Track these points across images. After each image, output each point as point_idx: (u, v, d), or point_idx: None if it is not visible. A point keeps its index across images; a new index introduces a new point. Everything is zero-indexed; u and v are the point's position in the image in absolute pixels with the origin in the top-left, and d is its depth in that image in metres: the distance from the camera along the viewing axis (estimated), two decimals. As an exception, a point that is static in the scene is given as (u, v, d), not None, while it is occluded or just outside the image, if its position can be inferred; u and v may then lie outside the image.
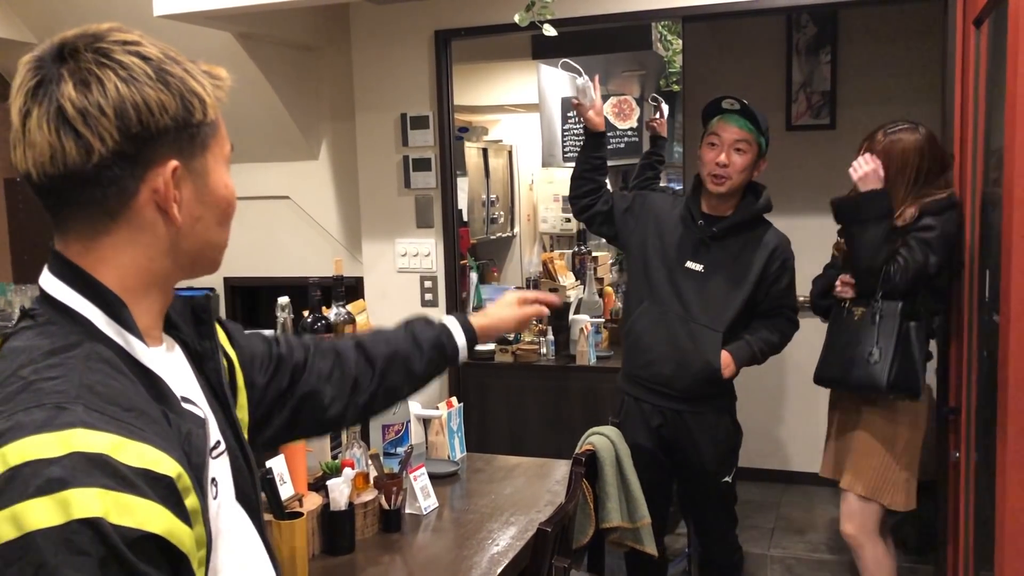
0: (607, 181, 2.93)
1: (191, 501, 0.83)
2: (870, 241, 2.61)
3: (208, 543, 0.87)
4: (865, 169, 2.63)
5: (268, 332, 1.39)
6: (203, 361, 1.04)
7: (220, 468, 0.99)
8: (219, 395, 1.04)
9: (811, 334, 2.88)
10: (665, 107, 3.70)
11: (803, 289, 2.89)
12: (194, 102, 0.91)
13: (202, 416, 0.93)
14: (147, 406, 0.86)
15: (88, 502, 0.75)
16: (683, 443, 2.80)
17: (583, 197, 2.90)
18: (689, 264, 2.71)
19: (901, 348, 2.61)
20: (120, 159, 0.87)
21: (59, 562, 0.73)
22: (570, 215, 5.15)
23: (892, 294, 2.63)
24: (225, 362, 1.12)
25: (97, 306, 0.89)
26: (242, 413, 1.15)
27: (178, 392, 0.93)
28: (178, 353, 1.01)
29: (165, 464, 0.81)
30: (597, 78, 2.87)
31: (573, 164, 2.99)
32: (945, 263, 2.60)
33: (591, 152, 2.90)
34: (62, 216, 0.90)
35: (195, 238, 0.95)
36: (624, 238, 2.87)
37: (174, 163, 0.90)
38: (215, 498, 0.95)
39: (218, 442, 1.00)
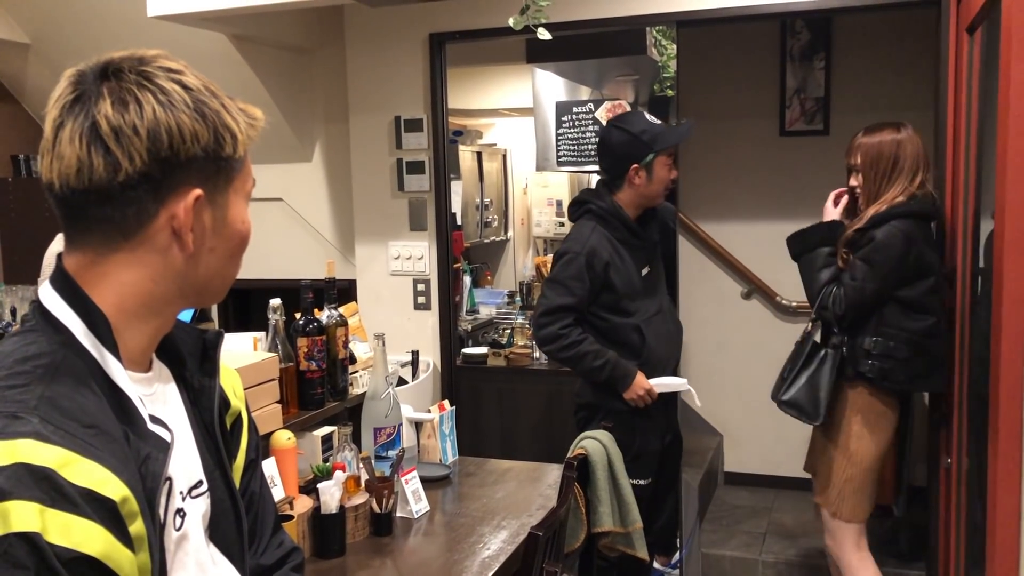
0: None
1: (136, 527, 0.83)
2: (805, 269, 2.73)
3: (156, 573, 0.86)
4: (828, 203, 2.80)
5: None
6: (199, 398, 1.03)
7: (195, 506, 0.98)
8: (211, 435, 1.04)
9: (800, 340, 2.90)
10: None
11: (800, 294, 2.92)
12: (226, 136, 0.92)
13: (167, 441, 0.92)
14: (109, 423, 0.85)
15: (26, 515, 0.74)
16: (671, 418, 3.01)
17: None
18: (644, 271, 2.86)
19: (809, 370, 2.68)
20: (145, 181, 0.87)
21: None
22: (564, 219, 5.16)
23: (829, 320, 2.68)
24: (234, 406, 1.12)
25: (80, 318, 0.89)
26: (242, 458, 1.13)
27: (148, 413, 0.92)
28: (169, 384, 1.01)
29: (111, 486, 0.80)
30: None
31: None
32: (887, 277, 2.56)
33: (599, 381, 2.80)
34: (77, 229, 0.90)
35: (205, 268, 0.95)
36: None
37: (197, 191, 0.90)
38: (178, 529, 0.94)
39: (199, 482, 1.00)
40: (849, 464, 2.68)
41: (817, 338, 2.77)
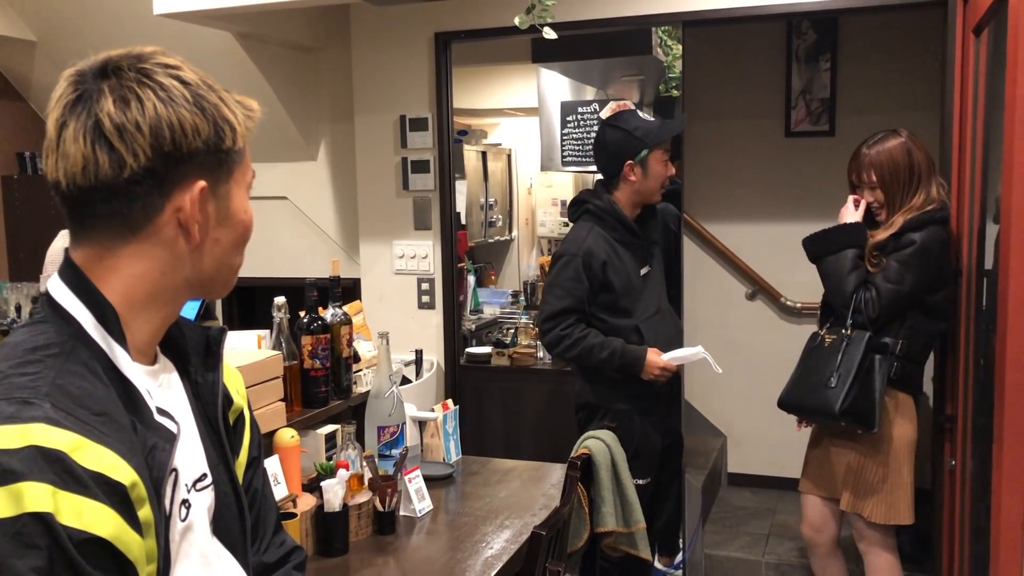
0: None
1: (145, 512, 0.84)
2: (832, 271, 2.65)
3: (161, 560, 0.88)
4: (847, 207, 2.73)
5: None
6: (202, 393, 1.05)
7: (200, 499, 0.99)
8: (214, 430, 1.05)
9: (804, 341, 2.87)
10: None
11: (813, 295, 2.90)
12: (226, 129, 0.94)
13: (174, 432, 0.93)
14: (117, 412, 0.87)
15: (40, 496, 0.76)
16: (673, 419, 3.04)
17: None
18: (643, 271, 2.88)
19: (861, 378, 2.57)
20: (150, 176, 0.89)
21: (8, 553, 0.74)
22: (567, 220, 5.16)
23: (863, 324, 2.60)
24: (237, 403, 1.13)
25: (89, 310, 0.91)
26: (244, 454, 1.15)
27: (155, 405, 0.93)
28: (173, 376, 1.02)
29: (121, 471, 0.82)
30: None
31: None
32: (924, 280, 2.55)
33: (613, 372, 2.81)
34: (84, 225, 0.92)
35: (211, 258, 0.97)
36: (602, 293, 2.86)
37: (202, 183, 0.92)
38: (183, 520, 0.95)
39: (204, 475, 1.01)
40: (878, 465, 2.65)
41: (852, 339, 2.61)
